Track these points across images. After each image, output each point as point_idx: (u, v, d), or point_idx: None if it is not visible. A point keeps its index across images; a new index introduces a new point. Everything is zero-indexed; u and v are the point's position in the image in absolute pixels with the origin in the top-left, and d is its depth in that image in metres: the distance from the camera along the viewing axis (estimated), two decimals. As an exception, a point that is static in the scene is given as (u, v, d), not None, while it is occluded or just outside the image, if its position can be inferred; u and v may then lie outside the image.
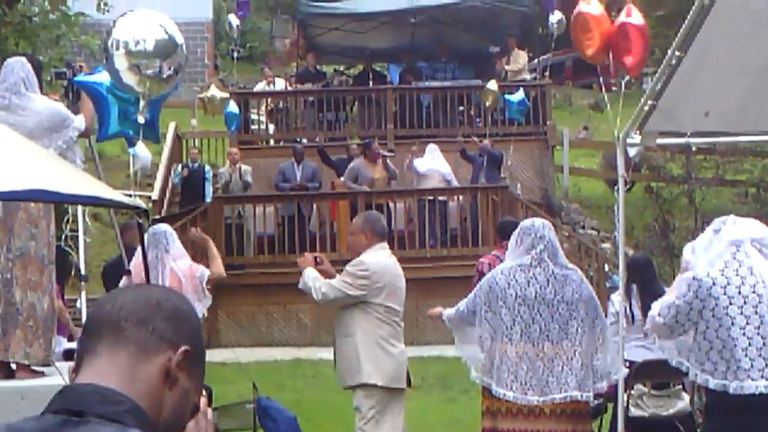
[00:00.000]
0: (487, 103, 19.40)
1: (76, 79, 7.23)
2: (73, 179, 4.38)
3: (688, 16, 5.40)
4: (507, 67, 21.40)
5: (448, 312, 7.21)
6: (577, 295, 6.93)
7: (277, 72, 25.66)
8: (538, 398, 6.77)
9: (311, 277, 7.65)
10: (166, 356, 2.01)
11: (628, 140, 6.49)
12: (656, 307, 5.57)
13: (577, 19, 16.79)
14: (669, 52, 5.64)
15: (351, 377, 7.48)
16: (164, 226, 8.84)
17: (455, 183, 18.72)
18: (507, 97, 19.35)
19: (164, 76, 6.45)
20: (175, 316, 2.06)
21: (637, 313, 8.90)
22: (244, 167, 18.86)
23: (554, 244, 7.07)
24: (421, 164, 18.45)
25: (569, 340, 6.89)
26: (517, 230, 7.14)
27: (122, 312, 2.03)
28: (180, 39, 6.62)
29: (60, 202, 3.84)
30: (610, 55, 16.90)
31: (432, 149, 18.71)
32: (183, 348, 2.02)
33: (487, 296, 6.87)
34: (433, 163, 18.46)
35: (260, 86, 22.80)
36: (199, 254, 9.99)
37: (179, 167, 20.60)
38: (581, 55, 17.53)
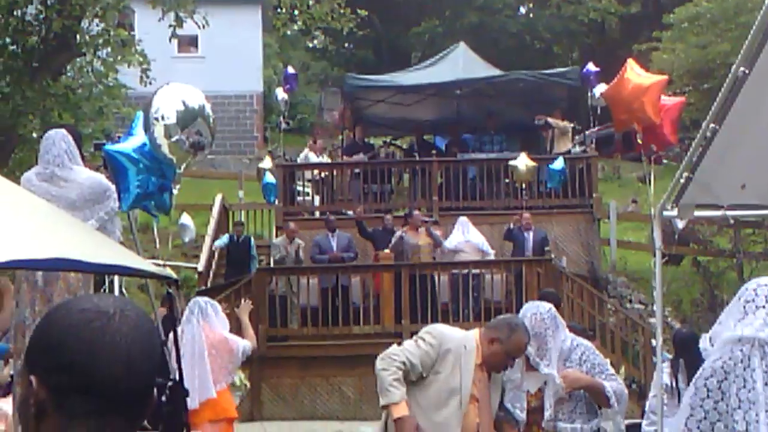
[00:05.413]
0: (521, 179, 19.39)
1: (105, 147, 7.31)
2: (101, 249, 4.41)
3: (723, 88, 5.36)
4: (550, 120, 21.38)
5: None
6: None
7: (325, 144, 25.86)
8: None
9: None
10: None
11: (665, 213, 6.41)
12: None
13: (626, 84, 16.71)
14: (704, 124, 5.59)
15: None
16: (201, 299, 8.99)
17: (491, 253, 18.62)
18: (549, 166, 19.45)
19: (186, 147, 6.51)
20: None
21: (684, 388, 8.76)
22: (299, 242, 18.88)
23: None
24: (450, 241, 18.40)
25: None
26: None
27: None
28: (199, 109, 6.67)
29: (83, 271, 3.86)
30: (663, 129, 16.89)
31: (462, 222, 18.66)
32: None
33: None
34: (464, 236, 18.39)
35: (305, 155, 22.90)
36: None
37: (225, 237, 20.76)
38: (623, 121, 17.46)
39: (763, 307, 5.07)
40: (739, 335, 5.05)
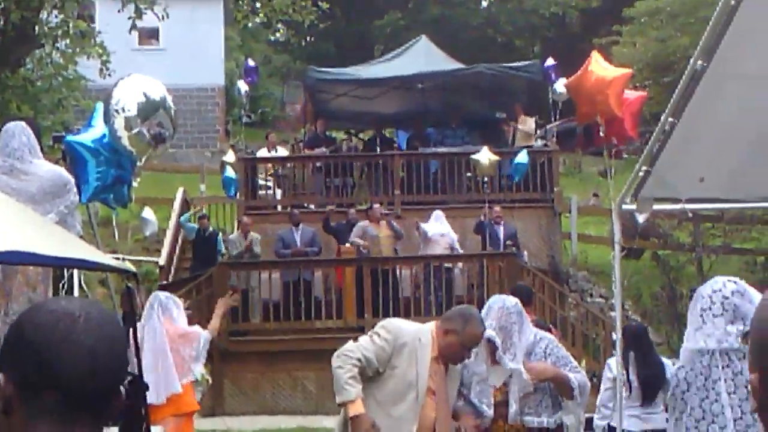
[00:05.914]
0: (484, 172, 19.36)
1: (66, 138, 7.25)
2: (60, 242, 4.37)
3: (681, 82, 5.39)
4: (520, 127, 21.45)
5: None
6: None
7: (287, 137, 25.75)
8: None
9: None
10: None
11: (624, 206, 6.44)
12: None
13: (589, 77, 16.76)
14: (662, 118, 5.62)
15: None
16: (161, 294, 8.98)
17: (461, 251, 18.60)
18: (515, 160, 19.46)
19: (147, 139, 6.48)
20: None
21: (634, 381, 8.83)
22: (253, 236, 18.77)
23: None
24: (429, 228, 18.33)
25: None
26: None
27: None
28: (160, 101, 6.65)
29: (42, 265, 3.84)
30: (625, 123, 16.95)
31: (438, 216, 18.59)
32: None
33: None
34: (440, 228, 18.35)
35: (263, 152, 22.77)
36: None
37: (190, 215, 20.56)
38: (585, 112, 17.51)
39: (721, 315, 5.09)
40: (701, 346, 5.07)
